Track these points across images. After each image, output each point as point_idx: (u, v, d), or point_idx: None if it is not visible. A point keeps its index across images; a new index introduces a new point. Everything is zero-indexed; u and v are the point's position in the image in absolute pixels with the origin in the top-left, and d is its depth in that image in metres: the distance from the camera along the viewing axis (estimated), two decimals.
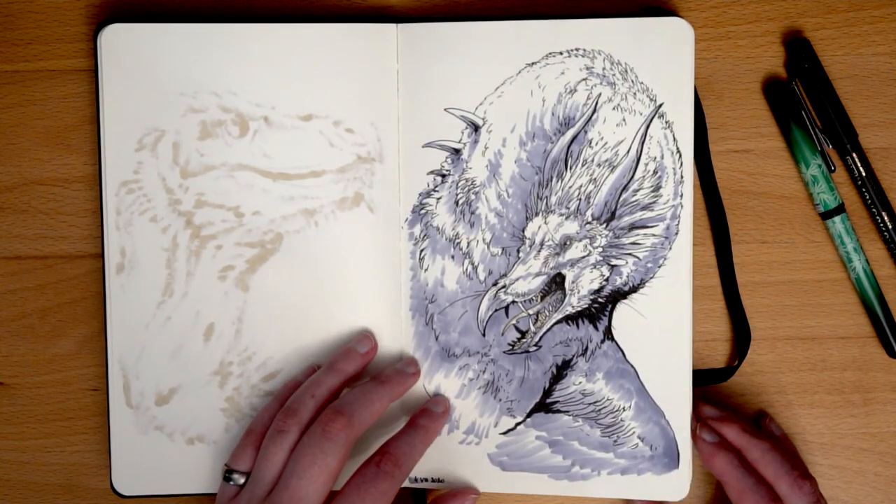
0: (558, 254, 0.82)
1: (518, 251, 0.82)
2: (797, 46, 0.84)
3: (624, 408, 0.83)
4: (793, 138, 0.84)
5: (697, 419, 0.83)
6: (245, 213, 0.83)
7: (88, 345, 0.86)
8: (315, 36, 0.82)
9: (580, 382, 0.83)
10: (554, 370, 0.83)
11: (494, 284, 0.83)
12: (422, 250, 0.83)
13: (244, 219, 0.83)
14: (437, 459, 0.84)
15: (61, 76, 0.85)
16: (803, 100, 0.84)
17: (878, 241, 0.86)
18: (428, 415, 0.82)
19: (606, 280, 0.82)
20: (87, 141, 0.85)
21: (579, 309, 0.83)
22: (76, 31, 0.85)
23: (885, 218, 0.84)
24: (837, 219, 0.84)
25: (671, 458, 0.83)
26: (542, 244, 0.82)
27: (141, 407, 0.84)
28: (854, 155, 0.84)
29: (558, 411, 0.83)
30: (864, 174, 0.84)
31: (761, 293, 0.86)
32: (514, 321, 0.83)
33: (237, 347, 0.84)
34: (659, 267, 0.82)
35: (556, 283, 0.82)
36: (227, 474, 0.78)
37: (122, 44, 0.82)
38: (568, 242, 0.82)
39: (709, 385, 0.86)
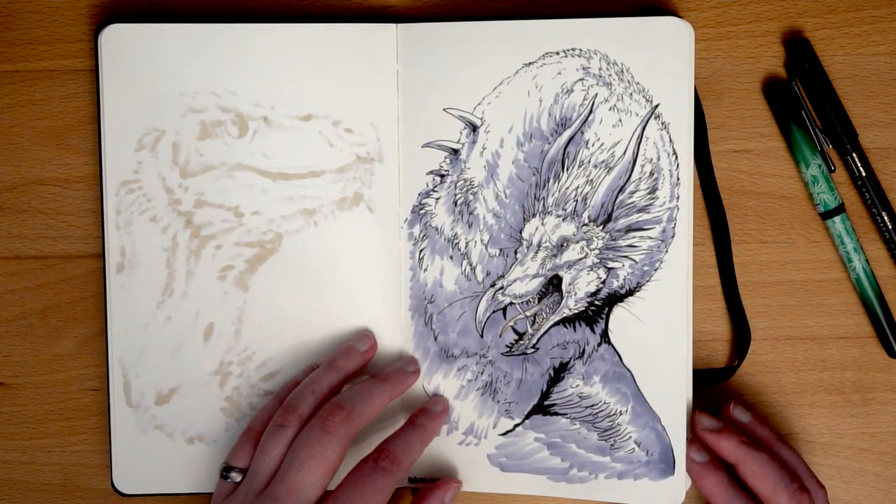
0: (555, 255, 0.82)
1: (516, 252, 0.82)
2: (797, 46, 0.84)
3: (620, 412, 0.82)
4: (793, 138, 0.84)
5: (692, 431, 0.82)
6: (244, 212, 0.83)
7: (88, 345, 0.86)
8: (315, 36, 0.82)
9: (577, 385, 0.83)
10: (551, 373, 0.83)
11: (492, 286, 0.82)
12: (421, 250, 0.83)
13: (244, 219, 0.83)
14: (437, 459, 0.84)
15: (61, 76, 0.85)
16: (803, 100, 0.84)
17: (878, 241, 0.86)
18: (427, 414, 0.81)
19: (603, 283, 0.82)
20: (87, 141, 0.85)
21: (576, 311, 0.82)
22: (76, 31, 0.85)
23: (885, 218, 0.84)
24: (837, 219, 0.84)
25: (667, 465, 0.82)
26: (539, 246, 0.82)
27: (141, 406, 0.84)
28: (854, 155, 0.84)
29: (556, 414, 0.83)
30: (864, 174, 0.84)
31: (761, 293, 0.86)
32: (511, 323, 0.83)
33: (237, 347, 0.84)
34: (655, 270, 0.81)
35: (553, 285, 0.82)
36: (225, 472, 0.78)
37: (122, 44, 0.82)
38: (565, 244, 0.81)
39: (709, 385, 0.86)
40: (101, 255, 0.84)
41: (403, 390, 0.82)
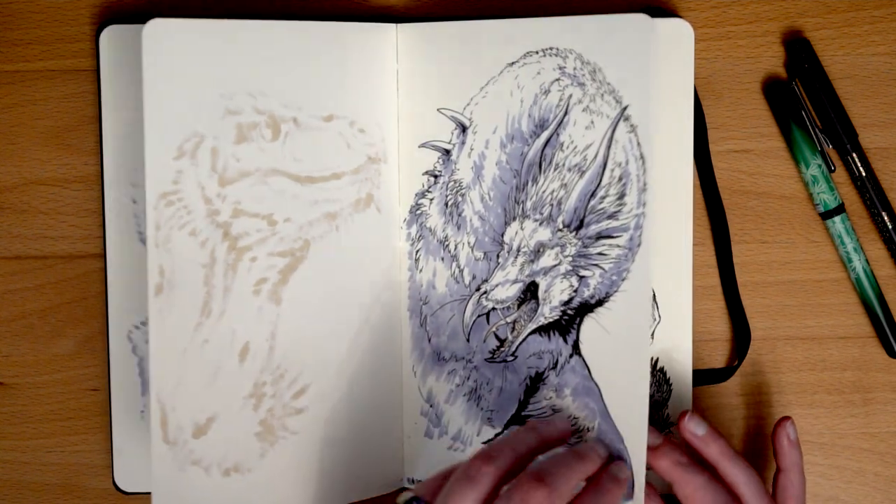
0: (533, 261, 0.80)
1: (498, 256, 0.81)
2: (797, 46, 0.84)
3: (588, 428, 0.80)
4: (793, 138, 0.84)
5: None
6: (277, 220, 0.79)
7: (88, 345, 0.86)
8: (318, 35, 0.80)
9: (551, 397, 0.81)
10: (528, 382, 0.82)
11: (477, 289, 0.82)
12: (417, 251, 0.82)
13: (276, 227, 0.79)
14: (428, 463, 0.83)
15: (62, 76, 0.85)
16: (803, 100, 0.84)
17: (878, 241, 0.86)
18: (612, 478, 0.74)
19: (575, 291, 0.80)
20: (87, 141, 0.85)
21: (551, 320, 0.81)
22: (77, 31, 0.85)
23: (885, 218, 0.84)
24: (837, 219, 0.84)
25: (627, 487, 0.78)
26: (518, 250, 0.80)
27: (179, 442, 0.78)
28: (854, 155, 0.84)
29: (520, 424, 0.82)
30: (864, 174, 0.84)
31: (761, 293, 0.86)
32: (494, 329, 0.82)
33: (270, 366, 0.80)
34: (622, 280, 0.79)
35: (530, 292, 0.81)
36: (410, 501, 0.70)
37: (164, 43, 0.76)
38: (541, 249, 0.80)
39: (709, 385, 0.86)
40: (102, 256, 0.84)
41: (593, 472, 0.74)
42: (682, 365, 0.83)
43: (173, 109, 0.76)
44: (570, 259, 0.80)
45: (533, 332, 0.81)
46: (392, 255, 0.83)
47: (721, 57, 0.85)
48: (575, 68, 0.79)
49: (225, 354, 0.79)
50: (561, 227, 0.80)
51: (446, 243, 0.82)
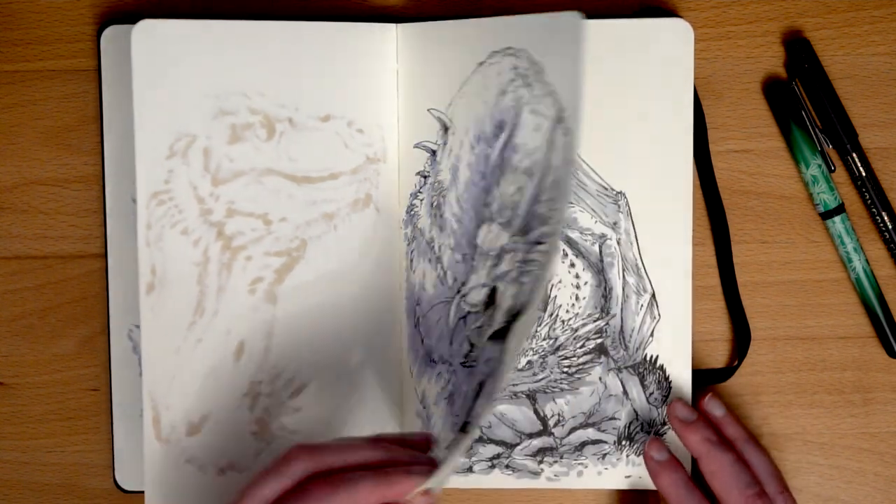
0: (496, 265, 0.78)
1: (473, 259, 0.80)
2: (797, 46, 0.84)
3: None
4: (793, 138, 0.84)
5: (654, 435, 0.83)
6: (273, 220, 0.80)
7: (88, 345, 0.86)
8: (316, 36, 0.81)
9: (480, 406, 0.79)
10: (478, 389, 0.80)
11: (458, 292, 0.81)
12: (412, 251, 0.82)
13: (272, 226, 0.80)
14: None
15: (62, 76, 0.85)
16: (803, 100, 0.84)
17: (878, 241, 0.85)
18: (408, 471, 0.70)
19: (515, 298, 0.78)
20: (87, 141, 0.85)
21: (500, 326, 0.78)
22: (77, 31, 0.85)
23: (885, 218, 0.84)
24: (837, 219, 0.84)
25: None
26: (488, 254, 0.79)
27: (171, 440, 0.79)
28: (854, 155, 0.84)
29: (463, 432, 0.81)
30: (864, 174, 0.84)
31: (761, 293, 0.86)
32: (467, 333, 0.81)
33: (266, 366, 0.80)
34: (538, 288, 0.75)
35: (492, 297, 0.79)
36: None
37: (154, 44, 0.78)
38: (502, 254, 0.78)
39: (709, 385, 0.86)
40: (102, 256, 0.84)
41: (400, 496, 0.69)
42: (682, 365, 0.83)
43: (163, 110, 0.78)
44: (518, 265, 0.77)
45: (489, 338, 0.80)
46: (391, 255, 0.83)
47: (721, 57, 0.85)
48: (526, 69, 0.76)
49: (219, 353, 0.80)
50: (515, 231, 0.77)
51: (432, 245, 0.81)
